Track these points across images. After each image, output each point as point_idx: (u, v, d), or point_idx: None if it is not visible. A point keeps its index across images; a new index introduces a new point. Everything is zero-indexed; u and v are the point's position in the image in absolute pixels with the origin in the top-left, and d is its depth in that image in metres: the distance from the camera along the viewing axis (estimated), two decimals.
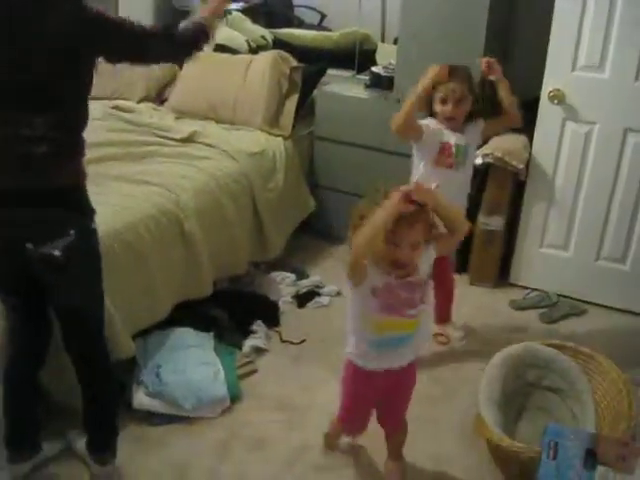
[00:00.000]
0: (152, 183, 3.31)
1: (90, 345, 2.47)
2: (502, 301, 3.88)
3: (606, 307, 3.82)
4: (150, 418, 2.92)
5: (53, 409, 2.76)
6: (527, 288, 3.98)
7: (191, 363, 3.06)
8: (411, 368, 2.47)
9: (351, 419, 2.63)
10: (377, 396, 2.50)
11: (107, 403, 2.56)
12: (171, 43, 2.36)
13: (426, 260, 2.21)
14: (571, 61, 3.52)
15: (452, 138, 3.12)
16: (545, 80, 3.61)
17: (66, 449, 2.71)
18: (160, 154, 3.67)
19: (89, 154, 3.50)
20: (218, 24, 2.72)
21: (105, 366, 2.51)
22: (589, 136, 3.61)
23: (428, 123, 3.13)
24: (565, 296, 3.88)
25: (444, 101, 3.07)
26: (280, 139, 4.10)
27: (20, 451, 2.57)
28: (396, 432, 2.63)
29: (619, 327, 3.64)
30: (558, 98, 3.57)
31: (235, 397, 3.04)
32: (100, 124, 3.83)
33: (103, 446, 2.58)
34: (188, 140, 3.84)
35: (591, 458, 2.15)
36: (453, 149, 3.13)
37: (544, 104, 3.64)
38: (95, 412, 2.55)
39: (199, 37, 2.41)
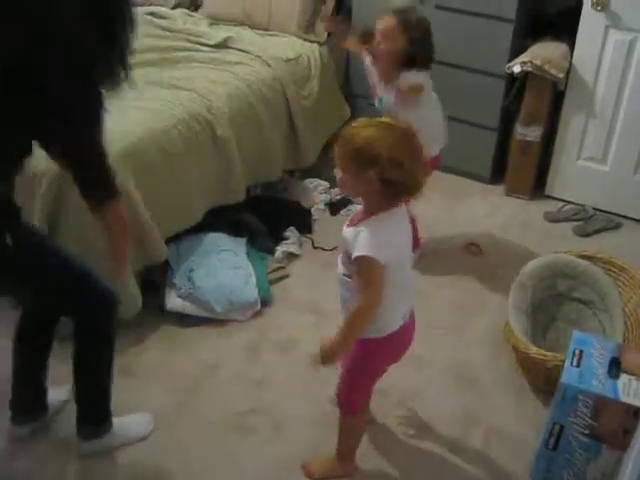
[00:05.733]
0: (185, 88, 3.29)
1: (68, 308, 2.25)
2: (537, 213, 3.84)
3: None
4: (182, 320, 2.99)
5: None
6: (562, 201, 3.93)
7: (223, 267, 3.10)
8: None
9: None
10: None
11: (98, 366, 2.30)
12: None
13: None
14: None
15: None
16: None
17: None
18: (193, 59, 3.64)
19: None
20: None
21: (92, 319, 2.22)
22: (633, 45, 3.47)
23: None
24: (601, 210, 3.83)
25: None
26: (315, 45, 4.02)
27: (25, 413, 2.44)
28: None
29: None
30: (601, 4, 3.43)
31: (266, 301, 3.10)
32: None
33: (100, 415, 2.38)
34: (222, 46, 3.79)
35: (615, 367, 2.16)
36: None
37: (586, 10, 3.49)
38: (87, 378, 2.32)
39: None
